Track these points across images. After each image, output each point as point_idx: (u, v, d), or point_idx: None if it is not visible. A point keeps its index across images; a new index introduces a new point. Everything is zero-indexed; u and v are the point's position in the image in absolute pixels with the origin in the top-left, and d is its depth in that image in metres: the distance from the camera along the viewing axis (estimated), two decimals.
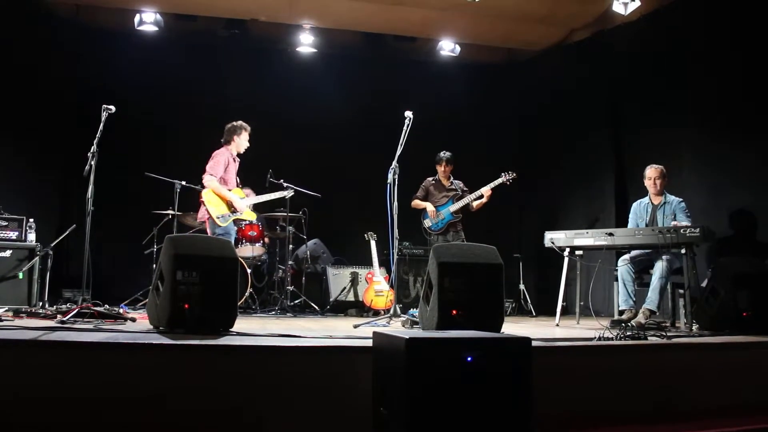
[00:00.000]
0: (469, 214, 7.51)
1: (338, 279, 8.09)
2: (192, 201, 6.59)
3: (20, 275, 6.00)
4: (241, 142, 6.77)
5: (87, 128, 5.83)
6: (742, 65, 6.76)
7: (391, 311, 5.70)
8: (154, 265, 6.93)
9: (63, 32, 8.40)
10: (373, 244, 7.85)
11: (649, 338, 4.35)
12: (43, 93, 7.91)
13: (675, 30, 7.55)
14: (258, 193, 8.46)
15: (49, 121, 8.02)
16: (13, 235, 6.22)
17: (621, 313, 6.04)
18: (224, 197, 6.58)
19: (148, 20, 8.36)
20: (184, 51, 9.08)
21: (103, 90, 7.65)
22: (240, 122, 6.78)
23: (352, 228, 8.44)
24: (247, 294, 7.43)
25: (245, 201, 6.82)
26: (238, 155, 6.82)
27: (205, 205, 6.51)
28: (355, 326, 5.24)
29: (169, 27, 8.58)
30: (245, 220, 7.16)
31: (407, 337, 2.80)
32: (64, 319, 4.52)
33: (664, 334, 4.67)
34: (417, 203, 7.55)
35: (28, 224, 6.33)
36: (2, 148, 7.41)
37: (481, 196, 7.38)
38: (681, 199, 6.33)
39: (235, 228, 6.87)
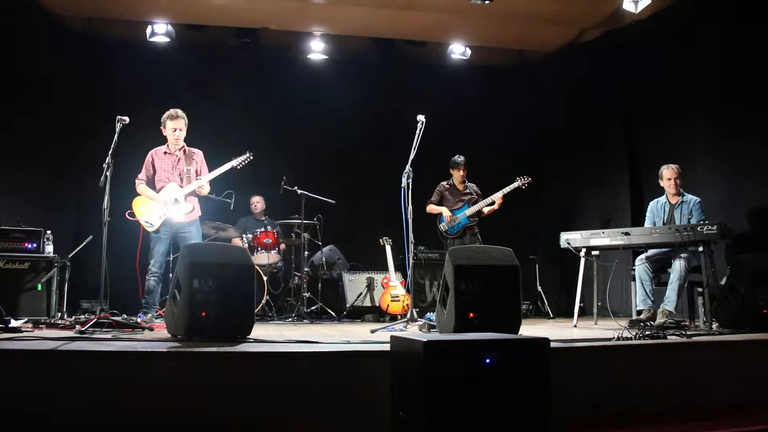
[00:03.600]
0: (485, 216, 7.49)
1: (354, 285, 8.09)
2: (205, 208, 6.60)
3: (39, 287, 6.04)
4: (167, 133, 6.11)
5: (101, 139, 5.86)
6: (757, 60, 6.71)
7: (408, 315, 5.69)
8: (171, 275, 6.96)
9: (76, 45, 8.48)
10: (388, 248, 7.85)
11: (668, 337, 4.32)
12: (57, 106, 7.97)
13: (687, 27, 7.50)
14: (271, 201, 8.51)
15: (63, 134, 8.08)
16: (32, 247, 6.27)
17: (639, 313, 6.00)
18: (151, 198, 6.02)
19: (159, 31, 8.42)
20: (196, 61, 9.14)
21: (117, 101, 7.71)
22: (168, 112, 6.13)
23: (367, 233, 8.44)
24: (263, 301, 7.45)
25: (169, 194, 6.01)
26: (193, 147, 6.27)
27: (133, 212, 6.00)
28: (372, 331, 5.24)
29: (181, 38, 8.65)
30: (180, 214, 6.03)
31: (425, 340, 2.79)
32: (83, 329, 4.55)
33: (684, 332, 4.63)
34: (432, 208, 7.53)
35: (46, 236, 6.37)
36: (18, 162, 7.46)
37: (492, 203, 7.36)
38: (699, 199, 6.29)
39: (171, 230, 6.03)
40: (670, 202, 6.38)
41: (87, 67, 8.58)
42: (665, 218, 6.34)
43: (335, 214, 8.00)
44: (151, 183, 6.13)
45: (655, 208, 6.49)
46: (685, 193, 6.34)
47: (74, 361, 3.21)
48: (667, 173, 6.35)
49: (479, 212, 7.42)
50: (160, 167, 6.14)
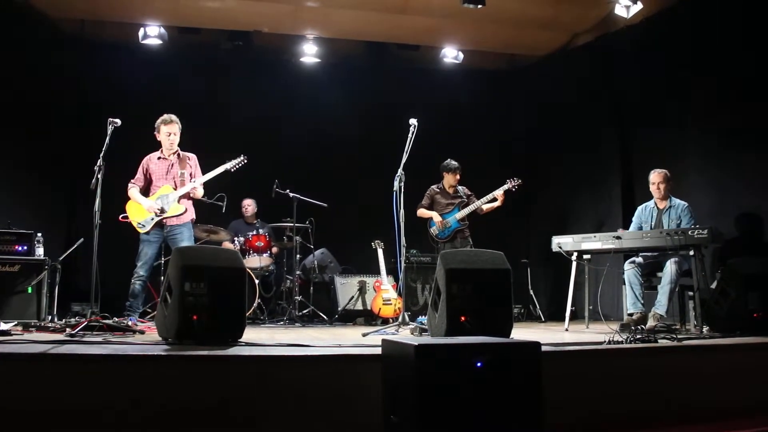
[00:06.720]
0: (477, 220, 7.50)
1: (346, 288, 8.08)
2: (196, 211, 6.59)
3: (29, 289, 6.00)
4: (162, 138, 6.19)
5: (93, 142, 5.85)
6: (748, 65, 6.74)
7: (400, 319, 5.69)
8: (162, 278, 6.93)
9: (68, 47, 8.44)
10: (380, 252, 7.85)
11: (659, 341, 4.33)
12: (49, 107, 7.94)
13: (678, 31, 7.53)
14: (263, 204, 8.48)
15: (55, 136, 8.05)
16: (22, 249, 6.23)
17: (630, 315, 6.01)
18: (138, 204, 6.07)
19: (152, 33, 8.38)
20: (189, 63, 9.11)
21: (109, 103, 7.68)
22: (162, 117, 6.20)
23: (359, 237, 8.42)
24: (255, 305, 7.44)
25: (160, 200, 6.04)
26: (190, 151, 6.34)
27: (127, 215, 6.11)
28: (364, 335, 5.23)
29: (173, 40, 8.62)
30: (172, 216, 6.06)
31: (416, 343, 2.79)
32: (73, 332, 4.52)
33: (675, 336, 4.64)
34: (422, 212, 7.53)
35: (37, 239, 6.34)
36: (10, 164, 7.43)
37: (494, 200, 7.38)
38: (687, 204, 6.30)
39: (161, 233, 6.08)
40: (657, 207, 6.39)
41: (79, 70, 8.54)
42: (653, 223, 6.36)
43: (327, 217, 7.99)
44: (146, 189, 6.19)
45: (642, 213, 6.50)
46: (673, 198, 6.35)
47: (64, 365, 3.20)
48: (653, 177, 6.37)
49: (476, 211, 7.43)
50: (155, 172, 6.19)
